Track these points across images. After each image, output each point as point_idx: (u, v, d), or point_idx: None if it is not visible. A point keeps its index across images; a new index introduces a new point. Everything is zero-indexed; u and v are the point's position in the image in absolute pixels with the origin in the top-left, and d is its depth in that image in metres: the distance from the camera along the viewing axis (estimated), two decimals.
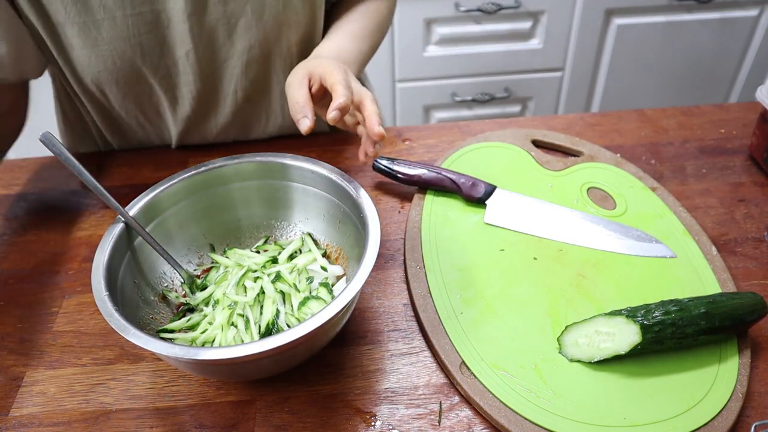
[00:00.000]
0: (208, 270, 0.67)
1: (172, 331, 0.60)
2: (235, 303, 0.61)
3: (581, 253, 0.70)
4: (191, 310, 0.64)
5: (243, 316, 0.60)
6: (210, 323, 0.60)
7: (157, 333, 0.59)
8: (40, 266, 0.72)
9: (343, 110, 0.60)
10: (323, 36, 0.83)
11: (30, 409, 0.58)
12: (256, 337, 0.59)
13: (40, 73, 0.78)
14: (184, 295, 0.65)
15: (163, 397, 0.58)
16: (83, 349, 0.63)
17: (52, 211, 0.80)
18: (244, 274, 0.63)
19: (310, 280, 0.64)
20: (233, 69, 0.80)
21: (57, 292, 0.69)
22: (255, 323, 0.60)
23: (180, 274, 0.65)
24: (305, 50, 0.82)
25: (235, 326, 0.59)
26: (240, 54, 0.78)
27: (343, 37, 0.79)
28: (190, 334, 0.59)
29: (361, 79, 1.00)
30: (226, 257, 0.67)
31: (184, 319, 0.61)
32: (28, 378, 0.60)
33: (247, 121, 0.88)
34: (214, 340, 0.59)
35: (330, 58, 0.71)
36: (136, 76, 0.77)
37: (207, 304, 0.63)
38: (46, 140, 0.58)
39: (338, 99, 0.60)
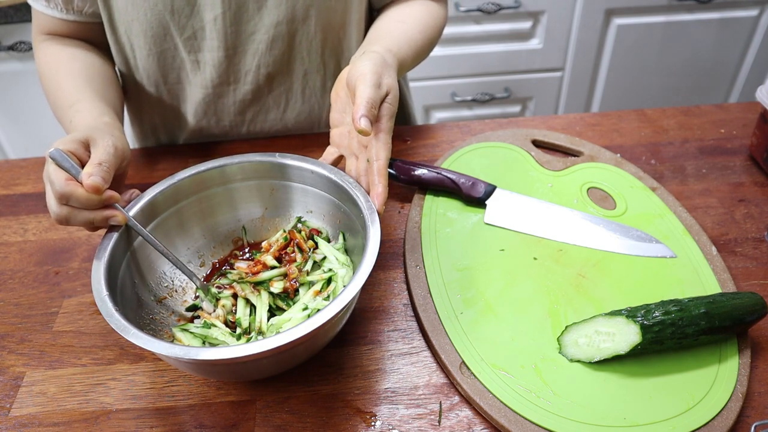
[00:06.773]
0: (212, 273, 0.68)
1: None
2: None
3: (581, 253, 0.70)
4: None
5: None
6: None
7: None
8: (39, 266, 0.72)
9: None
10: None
11: (30, 409, 0.58)
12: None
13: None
14: (196, 297, 0.65)
15: (163, 397, 0.58)
16: (83, 349, 0.63)
17: None
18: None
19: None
20: (258, 44, 0.81)
21: (57, 292, 0.69)
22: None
23: (195, 283, 0.64)
24: (332, 40, 0.84)
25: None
26: (267, 29, 0.80)
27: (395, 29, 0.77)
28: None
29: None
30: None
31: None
32: (28, 378, 0.60)
33: (266, 103, 0.89)
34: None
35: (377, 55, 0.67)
36: (163, 32, 0.79)
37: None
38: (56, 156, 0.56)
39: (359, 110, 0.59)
